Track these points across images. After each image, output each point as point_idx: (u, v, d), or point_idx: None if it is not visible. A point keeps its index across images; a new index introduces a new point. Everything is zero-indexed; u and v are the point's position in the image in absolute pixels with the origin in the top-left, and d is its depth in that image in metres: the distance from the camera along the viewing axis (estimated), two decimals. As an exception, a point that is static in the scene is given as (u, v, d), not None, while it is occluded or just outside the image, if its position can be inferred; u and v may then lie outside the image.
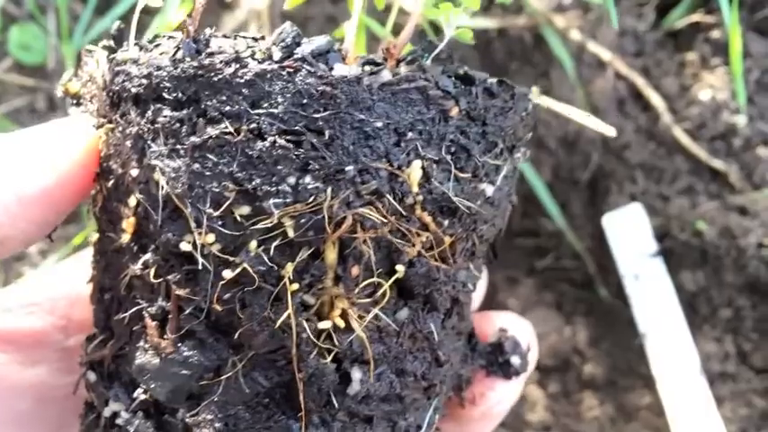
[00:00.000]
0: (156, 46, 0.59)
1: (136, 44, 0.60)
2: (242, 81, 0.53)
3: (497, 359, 0.73)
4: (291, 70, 0.53)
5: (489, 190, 0.61)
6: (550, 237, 1.51)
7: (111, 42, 0.64)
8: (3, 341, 0.70)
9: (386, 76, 0.55)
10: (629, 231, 1.38)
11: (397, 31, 0.61)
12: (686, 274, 1.35)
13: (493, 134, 0.60)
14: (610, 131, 0.87)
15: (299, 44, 0.55)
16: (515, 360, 0.72)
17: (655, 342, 1.34)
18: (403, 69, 0.57)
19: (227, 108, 0.54)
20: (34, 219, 0.59)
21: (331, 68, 0.54)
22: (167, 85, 0.55)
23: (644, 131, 1.40)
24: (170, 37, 0.60)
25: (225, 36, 0.58)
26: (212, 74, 0.54)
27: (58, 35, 1.54)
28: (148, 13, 1.58)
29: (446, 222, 0.59)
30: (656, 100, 1.35)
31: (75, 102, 0.66)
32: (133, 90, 0.57)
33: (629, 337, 1.41)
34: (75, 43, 1.52)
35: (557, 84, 1.39)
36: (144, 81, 0.56)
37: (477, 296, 0.80)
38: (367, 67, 0.56)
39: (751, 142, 1.35)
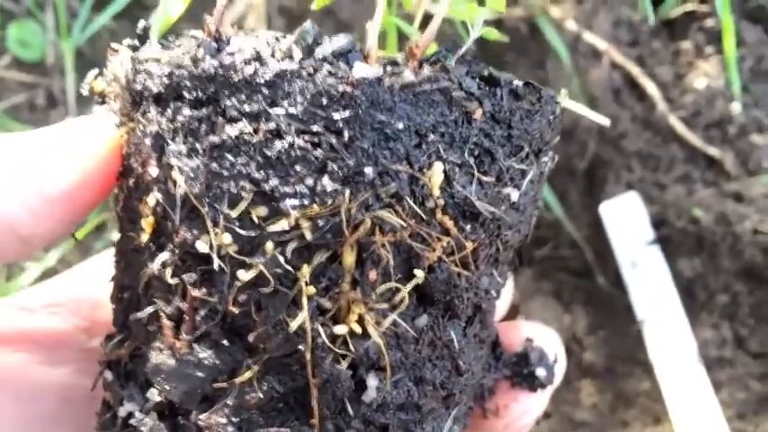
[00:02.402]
0: (179, 45, 0.58)
1: (159, 43, 0.59)
2: (261, 81, 0.53)
3: (522, 370, 0.70)
4: (311, 70, 0.52)
5: (514, 195, 0.59)
6: (548, 226, 1.52)
7: (136, 41, 0.62)
8: (26, 341, 0.69)
9: (408, 76, 0.53)
10: (626, 220, 1.39)
11: (425, 26, 0.61)
12: (683, 261, 1.37)
13: (518, 137, 0.58)
14: (604, 121, 0.88)
15: (319, 43, 0.54)
16: (541, 372, 0.70)
17: (653, 329, 1.35)
18: (426, 70, 0.55)
19: (246, 107, 0.53)
20: (58, 217, 0.59)
21: (351, 68, 0.53)
22: (187, 83, 0.55)
23: (640, 120, 1.41)
24: (192, 36, 0.59)
25: (246, 34, 0.57)
26: (232, 73, 0.53)
27: (57, 31, 1.55)
28: (145, 8, 1.59)
29: (468, 227, 0.57)
30: (651, 89, 1.36)
31: (100, 100, 0.65)
32: (154, 89, 0.56)
33: (628, 324, 1.42)
34: (74, 39, 1.53)
35: (552, 74, 1.41)
36: (165, 80, 0.56)
37: (503, 304, 0.78)
38: (389, 68, 0.54)
39: (746, 129, 1.36)
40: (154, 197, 0.57)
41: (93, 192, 0.60)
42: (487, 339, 0.67)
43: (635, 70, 1.37)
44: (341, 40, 0.54)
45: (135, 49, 0.61)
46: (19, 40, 1.56)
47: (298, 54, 0.54)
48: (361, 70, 0.52)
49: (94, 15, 1.55)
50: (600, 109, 1.42)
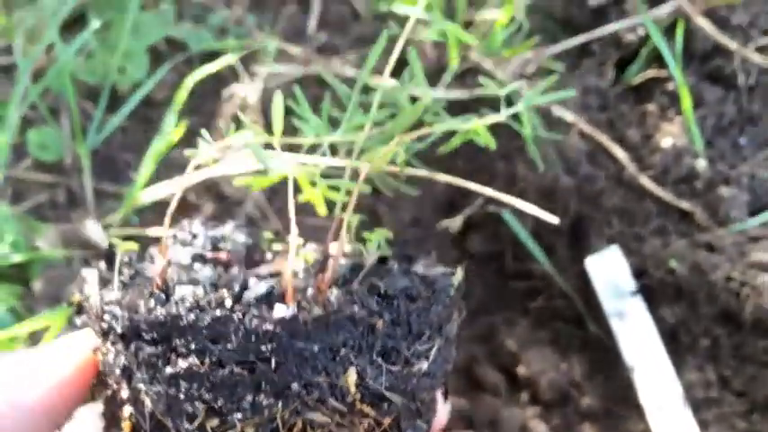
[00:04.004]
0: (138, 284, 0.74)
1: (120, 282, 0.75)
2: (202, 324, 0.67)
3: None
4: (240, 315, 0.67)
5: (424, 365, 0.72)
6: (540, 279, 1.60)
7: (104, 263, 0.79)
8: None
9: (317, 311, 0.68)
10: (609, 273, 1.48)
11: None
12: (665, 309, 1.45)
13: (419, 328, 0.72)
14: (552, 219, 0.99)
15: (245, 289, 0.70)
16: None
17: (641, 375, 1.44)
18: (334, 294, 0.70)
19: (193, 345, 0.67)
20: (42, 426, 0.72)
21: (272, 310, 0.68)
22: (144, 327, 0.69)
23: (614, 179, 1.50)
24: (147, 278, 0.75)
25: (188, 282, 0.72)
26: (178, 320, 0.68)
27: (72, 134, 1.68)
28: (153, 105, 1.71)
29: (386, 405, 0.70)
30: (619, 153, 1.45)
31: (77, 311, 0.80)
32: (118, 329, 0.70)
33: (621, 368, 1.50)
34: (90, 141, 1.66)
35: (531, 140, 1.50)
36: (126, 322, 0.70)
37: (441, 417, 0.88)
38: (303, 303, 0.69)
39: (713, 182, 1.45)
40: (128, 410, 0.71)
41: (71, 403, 0.74)
42: None
43: (602, 138, 1.46)
44: (261, 287, 0.71)
45: (105, 282, 0.75)
46: (38, 144, 1.69)
47: (228, 302, 0.69)
48: (279, 311, 0.68)
49: (108, 116, 1.68)
50: (577, 169, 1.52)
